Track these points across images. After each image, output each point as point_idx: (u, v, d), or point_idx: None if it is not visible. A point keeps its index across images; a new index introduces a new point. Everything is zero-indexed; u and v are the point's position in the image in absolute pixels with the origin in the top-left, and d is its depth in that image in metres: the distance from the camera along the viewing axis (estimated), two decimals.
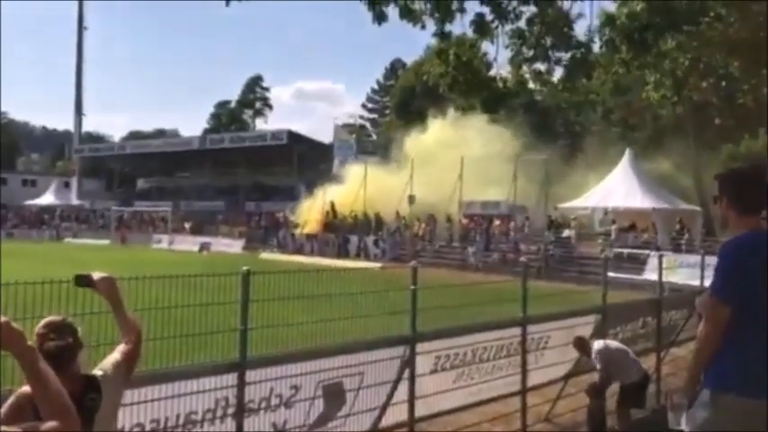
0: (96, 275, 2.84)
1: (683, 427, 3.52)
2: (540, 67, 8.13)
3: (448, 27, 8.03)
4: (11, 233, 55.19)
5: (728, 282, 3.49)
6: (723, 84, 8.12)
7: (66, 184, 74.11)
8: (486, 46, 8.39)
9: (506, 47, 8.09)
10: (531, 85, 8.32)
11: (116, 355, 2.73)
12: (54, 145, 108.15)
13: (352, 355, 5.55)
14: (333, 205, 42.56)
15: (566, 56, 7.99)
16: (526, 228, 35.43)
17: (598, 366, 7.59)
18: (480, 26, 8.02)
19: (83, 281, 2.82)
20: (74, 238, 54.04)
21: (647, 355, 9.55)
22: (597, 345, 7.61)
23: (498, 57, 8.30)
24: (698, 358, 3.56)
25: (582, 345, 7.73)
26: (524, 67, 8.14)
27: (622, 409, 7.75)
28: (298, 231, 43.46)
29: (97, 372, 2.61)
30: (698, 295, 10.20)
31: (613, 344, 7.82)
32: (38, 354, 2.15)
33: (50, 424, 2.10)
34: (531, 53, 8.07)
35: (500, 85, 8.29)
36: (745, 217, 3.58)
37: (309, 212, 44.36)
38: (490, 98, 8.38)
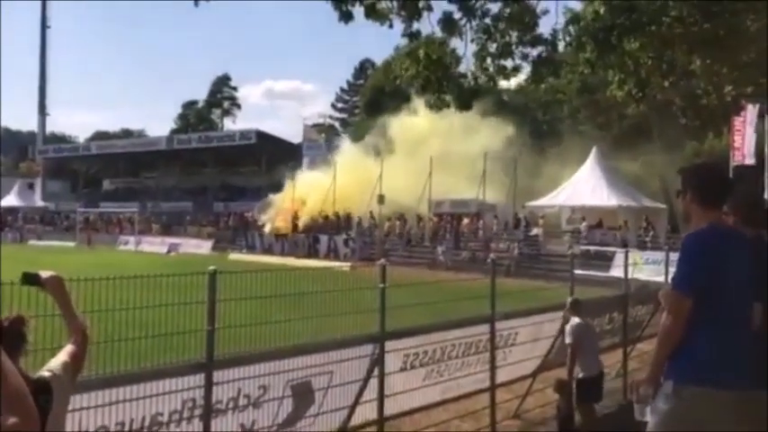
0: (44, 274, 2.79)
1: (648, 418, 3.58)
2: (505, 63, 8.20)
3: (416, 26, 8.07)
4: None
5: (690, 274, 3.55)
6: (684, 84, 8.26)
7: (30, 186, 72.79)
8: (455, 42, 8.43)
9: (472, 40, 8.14)
10: (499, 81, 8.35)
11: (63, 356, 2.67)
12: (17, 146, 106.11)
13: (321, 354, 5.54)
14: (296, 214, 42.52)
15: (532, 52, 8.06)
16: (495, 226, 35.69)
17: (568, 340, 7.66)
18: (448, 23, 8.05)
19: (30, 279, 2.76)
20: (38, 240, 53.06)
21: (614, 351, 9.69)
22: (573, 321, 7.71)
23: (467, 53, 8.34)
24: (660, 350, 3.61)
25: (562, 387, 7.82)
26: (488, 61, 8.17)
27: (583, 405, 7.83)
28: (267, 231, 43.17)
29: (45, 373, 2.56)
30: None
31: (586, 323, 7.90)
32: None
33: (11, 420, 2.07)
34: (494, 47, 8.12)
35: (471, 81, 8.31)
36: (708, 211, 3.64)
37: (277, 212, 44.18)
38: (462, 95, 8.40)
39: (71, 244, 48.97)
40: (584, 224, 32.56)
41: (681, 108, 8.74)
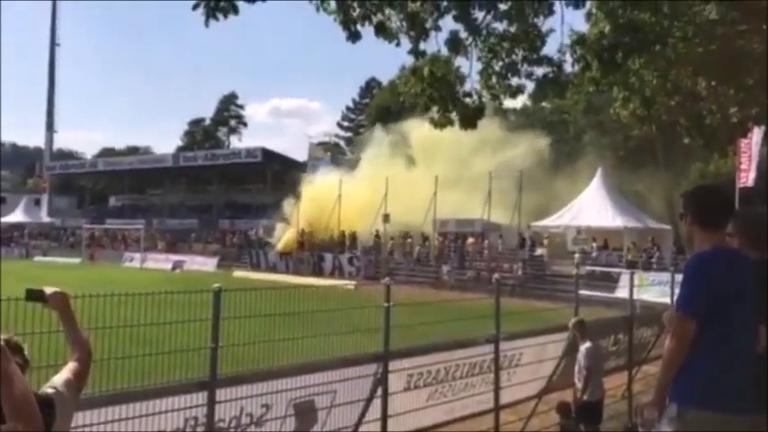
0: (48, 290, 2.79)
1: None
2: (511, 82, 8.21)
3: (422, 45, 8.11)
4: None
5: (693, 297, 3.53)
6: (689, 104, 8.26)
7: (37, 202, 73.12)
8: (460, 61, 8.46)
9: (478, 59, 8.17)
10: (503, 99, 8.34)
11: (66, 374, 2.66)
12: (24, 162, 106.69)
13: (325, 372, 5.51)
14: (303, 231, 42.50)
15: (538, 71, 8.08)
16: (500, 246, 35.59)
17: (585, 364, 7.62)
18: (454, 43, 8.09)
19: (34, 295, 2.77)
20: (44, 256, 53.20)
21: (619, 373, 9.62)
22: (587, 344, 7.69)
23: (472, 72, 8.37)
24: (664, 373, 3.58)
25: (564, 409, 7.78)
26: (494, 80, 8.19)
27: (588, 426, 7.78)
28: (277, 249, 42.92)
29: (48, 389, 2.55)
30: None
31: (598, 348, 7.88)
32: (7, 353, 2.15)
33: (14, 425, 2.08)
34: (500, 66, 8.14)
35: (476, 99, 8.32)
36: (710, 232, 3.63)
37: (285, 232, 44.12)
38: (467, 114, 8.34)
39: (76, 260, 49.07)
40: (593, 245, 32.43)
41: (686, 128, 8.72)
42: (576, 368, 7.83)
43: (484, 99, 8.36)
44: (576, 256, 31.60)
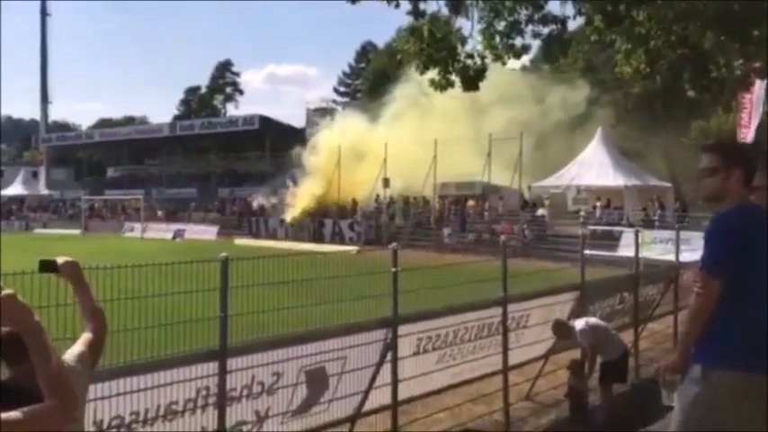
0: (60, 260, 2.76)
1: (674, 403, 3.51)
2: (515, 41, 8.05)
3: (422, 5, 7.95)
4: None
5: (719, 255, 3.45)
6: (695, 57, 8.09)
7: (35, 174, 72.97)
8: (460, 22, 8.29)
9: (480, 19, 8.00)
10: (507, 60, 8.17)
11: (79, 346, 2.61)
12: (20, 135, 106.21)
13: (334, 339, 5.49)
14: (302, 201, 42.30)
15: (543, 30, 7.92)
16: (500, 208, 35.56)
17: (585, 344, 7.61)
18: (455, 3, 7.94)
19: (47, 266, 2.74)
20: (44, 228, 53.24)
21: (625, 331, 9.63)
22: (579, 324, 7.62)
23: (474, 32, 8.20)
24: (689, 333, 3.52)
25: (561, 329, 7.74)
26: (497, 40, 8.02)
27: (604, 385, 7.79)
28: (285, 218, 42.48)
29: None
30: (675, 270, 10.34)
31: (593, 320, 7.84)
32: (44, 330, 2.13)
33: (47, 403, 2.06)
34: (502, 25, 7.98)
35: (478, 60, 8.17)
36: (748, 190, 3.53)
37: (294, 199, 43.87)
38: (468, 75, 8.14)
39: (76, 231, 49.09)
40: (598, 204, 32.37)
41: (691, 81, 8.55)
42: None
43: (487, 60, 8.21)
44: (582, 214, 31.58)
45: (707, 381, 3.39)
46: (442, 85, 8.57)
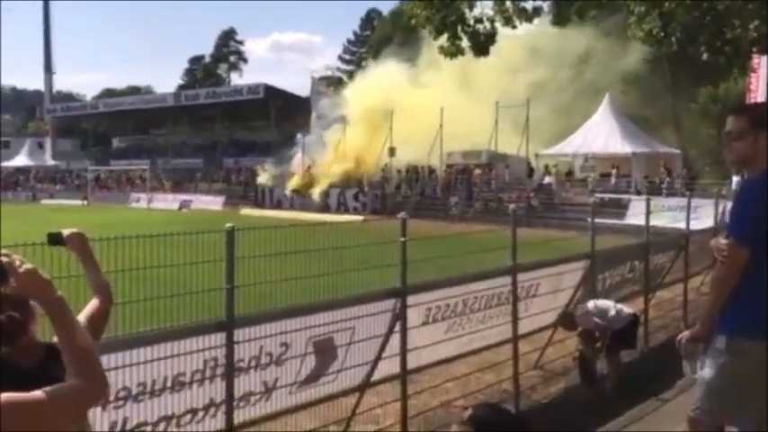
0: (66, 231, 2.71)
1: (697, 374, 3.43)
2: (525, 4, 7.88)
3: None
4: None
5: (747, 223, 3.35)
6: (709, 19, 7.89)
7: (40, 145, 72.97)
8: None
9: None
10: (519, 23, 7.98)
11: (82, 318, 2.51)
12: (25, 105, 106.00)
13: (343, 309, 5.43)
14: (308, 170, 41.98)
15: None
16: (507, 176, 35.38)
17: (596, 325, 7.55)
18: None
19: (54, 239, 2.69)
20: (50, 198, 53.36)
21: (635, 299, 9.58)
22: (586, 308, 7.62)
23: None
24: (714, 303, 3.42)
25: (567, 320, 7.72)
26: (508, 4, 7.85)
27: (612, 354, 7.75)
28: (288, 189, 42.24)
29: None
30: (685, 238, 10.24)
31: (590, 305, 7.74)
32: (67, 305, 2.04)
33: (73, 382, 1.97)
34: None
35: (487, 25, 8.00)
36: None
37: (291, 170, 43.65)
38: (478, 39, 7.98)
39: (84, 202, 49.23)
40: (613, 171, 32.12)
41: (705, 44, 8.35)
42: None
43: (496, 23, 8.05)
44: (590, 181, 31.40)
45: (733, 350, 3.31)
46: (452, 53, 8.44)
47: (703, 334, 3.44)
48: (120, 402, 4.15)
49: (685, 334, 3.56)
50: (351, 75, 74.28)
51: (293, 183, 42.03)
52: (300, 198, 40.39)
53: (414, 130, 36.17)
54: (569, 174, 34.50)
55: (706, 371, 3.40)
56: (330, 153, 41.59)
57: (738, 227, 3.38)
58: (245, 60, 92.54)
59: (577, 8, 7.97)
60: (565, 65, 38.19)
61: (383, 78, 41.83)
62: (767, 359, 3.24)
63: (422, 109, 36.15)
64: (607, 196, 29.42)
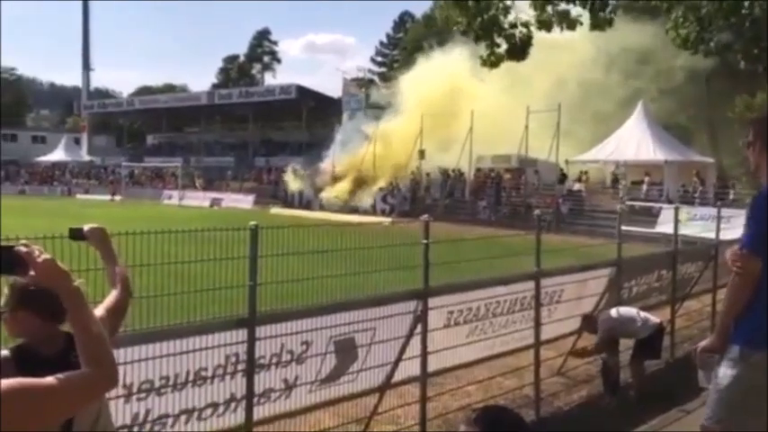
0: (86, 226, 2.79)
1: (711, 384, 3.41)
2: (567, 7, 7.79)
3: None
4: (23, 189, 55.63)
5: (762, 234, 3.33)
6: (748, 26, 7.76)
7: (77, 141, 74.23)
8: None
9: None
10: (560, 29, 7.90)
11: (99, 311, 2.58)
12: (62, 101, 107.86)
13: (364, 310, 5.47)
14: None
15: None
16: (536, 182, 35.13)
17: (607, 334, 7.51)
18: None
19: (77, 234, 2.76)
20: (85, 194, 54.26)
21: (662, 309, 9.48)
22: (602, 315, 7.57)
23: (517, 1, 8.00)
24: (727, 313, 3.40)
25: (588, 323, 7.68)
26: (549, 9, 7.79)
27: (636, 362, 7.69)
28: (324, 196, 42.24)
29: None
30: (715, 248, 10.10)
31: (614, 312, 7.67)
32: (83, 295, 2.11)
33: (84, 370, 2.04)
34: None
35: (523, 30, 7.97)
36: None
37: (321, 172, 43.79)
38: (514, 44, 7.94)
39: (117, 198, 50.01)
40: (646, 178, 31.71)
41: (741, 51, 8.23)
42: None
43: (531, 29, 8.01)
44: (621, 188, 31.02)
45: (746, 361, 3.28)
46: (492, 63, 8.42)
47: (718, 344, 3.42)
48: (143, 395, 4.24)
49: (701, 344, 3.54)
50: (383, 76, 74.41)
51: (324, 185, 42.10)
52: (330, 199, 40.49)
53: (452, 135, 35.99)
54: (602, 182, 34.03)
55: (719, 380, 3.37)
56: (367, 151, 41.55)
57: (752, 238, 3.35)
58: (278, 60, 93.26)
59: (611, 18, 7.88)
60: (620, 68, 37.25)
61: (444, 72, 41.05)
62: None
63: (466, 114, 35.86)
64: (637, 204, 29.08)
